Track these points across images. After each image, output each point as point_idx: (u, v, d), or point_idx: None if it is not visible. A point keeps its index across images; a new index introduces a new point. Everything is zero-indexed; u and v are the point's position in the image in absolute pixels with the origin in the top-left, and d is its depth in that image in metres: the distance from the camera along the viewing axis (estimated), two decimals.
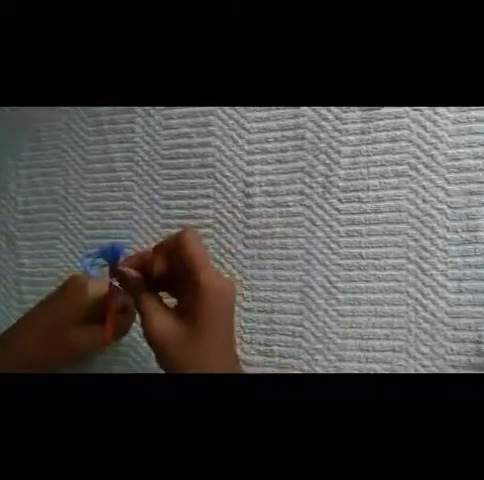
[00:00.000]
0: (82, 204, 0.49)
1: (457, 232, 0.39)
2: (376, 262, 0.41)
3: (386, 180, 0.41)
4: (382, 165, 0.41)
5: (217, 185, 0.45)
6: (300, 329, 0.42)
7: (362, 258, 0.41)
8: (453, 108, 0.40)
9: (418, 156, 0.40)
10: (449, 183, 0.40)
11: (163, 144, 0.47)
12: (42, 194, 0.51)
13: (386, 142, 0.41)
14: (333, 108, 0.42)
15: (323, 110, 0.42)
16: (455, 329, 0.39)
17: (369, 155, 0.41)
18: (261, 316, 0.43)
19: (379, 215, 0.41)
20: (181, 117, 0.46)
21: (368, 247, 0.41)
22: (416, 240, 0.40)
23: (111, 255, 0.35)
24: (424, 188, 0.40)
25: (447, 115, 0.40)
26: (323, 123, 0.42)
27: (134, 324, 0.43)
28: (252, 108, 0.44)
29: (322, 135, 0.42)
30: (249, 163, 0.44)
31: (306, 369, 0.42)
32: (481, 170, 0.39)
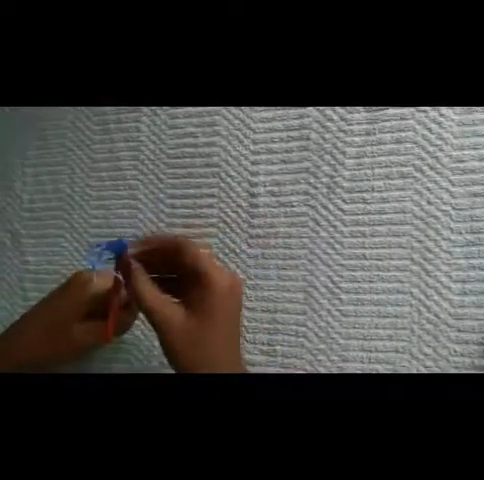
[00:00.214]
0: (87, 202, 0.50)
1: (461, 234, 0.39)
2: (380, 263, 0.41)
3: (391, 181, 0.41)
4: (387, 166, 0.41)
5: (222, 184, 0.45)
6: (303, 329, 0.42)
7: (366, 259, 0.41)
8: (458, 110, 0.40)
9: (423, 158, 0.40)
10: (454, 185, 0.40)
11: (169, 143, 0.47)
12: (48, 192, 0.51)
13: (391, 143, 0.41)
14: (338, 109, 0.42)
15: (328, 111, 0.43)
16: (459, 331, 0.39)
17: (374, 156, 0.41)
18: (264, 316, 0.43)
19: (383, 216, 0.41)
20: (187, 116, 0.47)
21: (372, 248, 0.41)
22: (420, 241, 0.40)
23: (118, 248, 0.35)
24: (429, 190, 0.40)
25: (452, 117, 0.40)
26: (328, 124, 0.43)
27: (137, 322, 0.43)
28: (258, 108, 0.45)
29: (327, 136, 0.43)
30: (254, 163, 0.44)
31: (309, 369, 0.42)
32: None
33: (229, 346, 0.34)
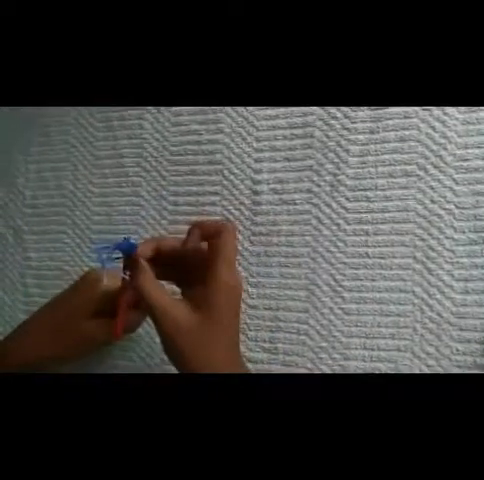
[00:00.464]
0: (90, 199, 0.50)
1: (464, 233, 0.39)
2: (382, 261, 0.41)
3: (394, 180, 0.41)
4: (390, 165, 0.41)
5: (225, 182, 0.45)
6: (305, 327, 0.42)
7: (368, 257, 0.41)
8: (462, 109, 0.40)
9: (427, 156, 0.40)
10: (457, 184, 0.40)
11: (172, 141, 0.47)
12: (50, 189, 0.51)
13: (395, 142, 0.41)
14: (342, 107, 0.42)
15: (332, 109, 0.43)
16: (461, 329, 0.39)
17: (377, 154, 0.41)
18: (266, 313, 0.43)
19: (386, 214, 0.41)
20: (190, 114, 0.47)
21: (375, 246, 0.41)
22: (423, 240, 0.40)
23: (127, 248, 0.35)
24: (432, 188, 0.40)
25: (456, 116, 0.40)
26: (332, 121, 0.43)
27: None
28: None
29: (331, 134, 0.43)
30: (257, 160, 0.44)
31: (310, 367, 0.42)
32: None
33: (231, 344, 0.35)
